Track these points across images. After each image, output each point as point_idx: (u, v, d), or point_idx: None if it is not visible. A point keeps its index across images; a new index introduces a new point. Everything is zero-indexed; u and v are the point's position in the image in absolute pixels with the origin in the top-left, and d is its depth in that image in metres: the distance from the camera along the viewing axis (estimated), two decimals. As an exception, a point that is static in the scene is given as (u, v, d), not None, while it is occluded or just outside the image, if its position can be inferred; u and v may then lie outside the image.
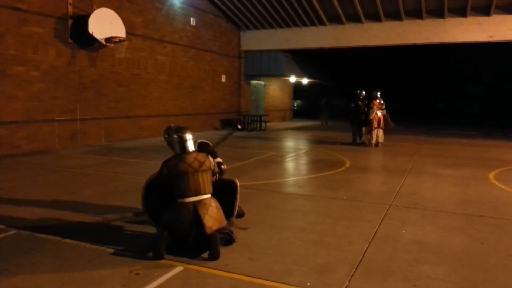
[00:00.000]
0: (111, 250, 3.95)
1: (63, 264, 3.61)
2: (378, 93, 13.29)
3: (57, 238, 4.24)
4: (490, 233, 4.73)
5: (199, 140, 4.82)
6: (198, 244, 3.88)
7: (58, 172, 7.84)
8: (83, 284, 3.25)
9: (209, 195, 4.09)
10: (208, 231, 3.85)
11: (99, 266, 3.58)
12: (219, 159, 4.69)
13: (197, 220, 3.87)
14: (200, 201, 3.98)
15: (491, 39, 15.92)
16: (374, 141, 13.00)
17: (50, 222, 4.81)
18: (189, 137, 4.24)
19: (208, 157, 4.19)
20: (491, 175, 8.35)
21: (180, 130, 4.25)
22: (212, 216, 3.94)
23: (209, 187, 4.11)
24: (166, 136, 4.32)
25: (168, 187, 4.11)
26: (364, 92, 13.69)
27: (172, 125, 4.39)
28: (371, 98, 13.31)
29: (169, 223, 3.94)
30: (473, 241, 4.46)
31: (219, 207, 4.11)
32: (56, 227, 4.61)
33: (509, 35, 15.59)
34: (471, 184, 7.46)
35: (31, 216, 5.03)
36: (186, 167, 4.03)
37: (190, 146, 4.24)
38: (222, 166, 4.61)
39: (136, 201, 5.81)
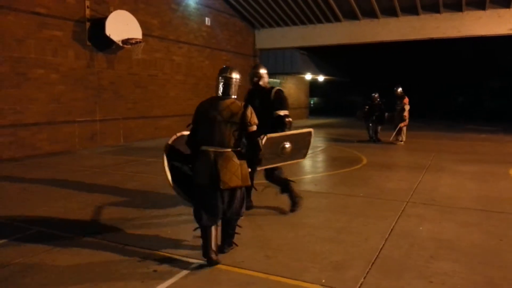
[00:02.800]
0: (130, 248, 4.04)
1: (83, 261, 3.72)
2: (400, 88, 12.93)
3: (78, 236, 4.36)
4: (509, 230, 4.66)
5: (276, 88, 5.15)
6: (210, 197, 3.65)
7: (79, 172, 8.02)
8: (102, 281, 3.34)
9: (230, 149, 3.68)
10: (223, 185, 3.58)
11: (118, 263, 3.67)
12: (285, 112, 4.98)
13: (215, 172, 3.60)
14: (221, 153, 3.65)
15: (511, 32, 15.55)
16: (405, 139, 12.84)
17: (71, 220, 4.94)
18: (234, 78, 3.82)
19: (245, 109, 3.70)
20: (511, 171, 8.18)
21: (223, 71, 3.86)
22: (231, 171, 3.62)
23: (234, 141, 3.68)
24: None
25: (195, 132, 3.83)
26: (377, 94, 13.52)
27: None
28: (395, 95, 12.93)
29: (195, 172, 3.76)
30: (491, 237, 4.40)
31: (243, 164, 3.73)
32: (76, 225, 4.74)
33: (530, 27, 15.21)
34: (490, 180, 7.34)
35: (52, 214, 5.17)
36: (214, 114, 3.69)
37: (230, 89, 3.81)
38: (287, 119, 4.92)
39: (153, 201, 5.93)
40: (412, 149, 11.72)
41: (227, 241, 3.92)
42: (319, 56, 25.09)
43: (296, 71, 22.75)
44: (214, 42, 17.15)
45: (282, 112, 4.94)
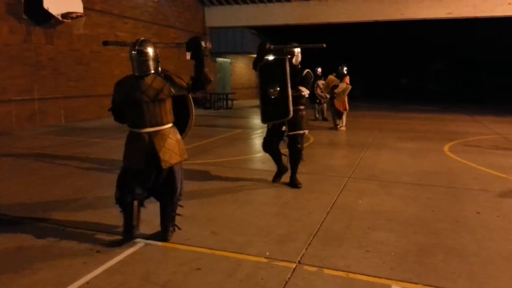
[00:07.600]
0: (72, 229, 3.93)
1: (22, 244, 3.57)
2: (345, 68, 11.75)
3: (17, 218, 4.17)
4: (441, 201, 5.01)
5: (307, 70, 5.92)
6: (155, 181, 3.64)
7: (17, 154, 7.60)
8: (44, 263, 3.23)
9: (168, 126, 3.61)
10: (164, 164, 3.51)
11: (60, 245, 3.57)
12: (308, 91, 5.80)
13: (153, 153, 3.51)
14: (157, 132, 3.54)
15: (450, 16, 16.37)
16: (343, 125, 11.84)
17: (10, 203, 4.70)
18: (149, 52, 3.62)
19: (169, 81, 3.60)
20: (446, 147, 8.74)
21: (135, 44, 3.63)
22: (170, 149, 3.55)
23: (168, 116, 3.61)
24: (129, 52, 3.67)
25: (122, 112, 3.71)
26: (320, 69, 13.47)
27: (139, 39, 3.73)
28: (340, 74, 11.70)
29: (126, 155, 3.63)
30: (425, 209, 4.72)
31: (180, 139, 3.69)
32: (15, 208, 4.52)
33: (466, 12, 16.09)
34: (427, 156, 7.80)
35: (-12, 198, 4.90)
36: (139, 95, 3.51)
37: (147, 65, 3.59)
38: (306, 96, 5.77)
39: (97, 182, 5.77)
40: (356, 127, 12.14)
41: (170, 225, 3.73)
42: (269, 36, 25.08)
43: (247, 51, 22.62)
44: (161, 18, 16.63)
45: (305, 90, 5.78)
